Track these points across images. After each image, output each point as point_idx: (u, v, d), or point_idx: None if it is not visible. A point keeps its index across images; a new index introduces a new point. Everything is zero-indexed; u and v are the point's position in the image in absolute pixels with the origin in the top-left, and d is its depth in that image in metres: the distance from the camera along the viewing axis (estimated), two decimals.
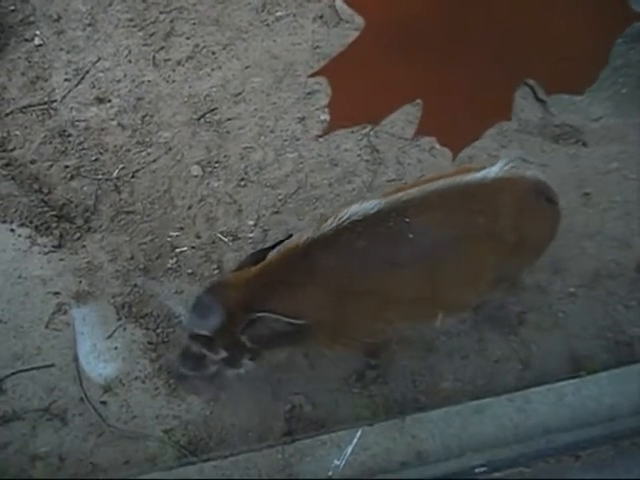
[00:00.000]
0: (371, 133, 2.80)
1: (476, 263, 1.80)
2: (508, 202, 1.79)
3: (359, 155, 2.74)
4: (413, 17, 0.64)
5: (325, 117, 2.85)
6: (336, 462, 1.73)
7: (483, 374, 2.18)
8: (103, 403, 2.06)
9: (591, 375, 2.08)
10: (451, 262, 1.78)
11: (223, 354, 1.76)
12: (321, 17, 3.21)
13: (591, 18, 0.64)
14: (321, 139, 2.72)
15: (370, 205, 1.76)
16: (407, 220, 1.73)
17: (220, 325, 1.71)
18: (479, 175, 1.80)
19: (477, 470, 1.82)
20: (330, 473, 1.74)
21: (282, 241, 1.87)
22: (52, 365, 2.14)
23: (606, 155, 2.76)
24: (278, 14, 3.22)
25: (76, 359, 2.15)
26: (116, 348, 2.19)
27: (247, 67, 3.01)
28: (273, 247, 1.87)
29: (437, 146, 2.65)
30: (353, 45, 0.67)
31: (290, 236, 1.90)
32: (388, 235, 1.74)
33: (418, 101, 0.71)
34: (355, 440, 1.76)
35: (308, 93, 2.93)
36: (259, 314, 1.66)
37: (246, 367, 1.83)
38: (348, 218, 1.74)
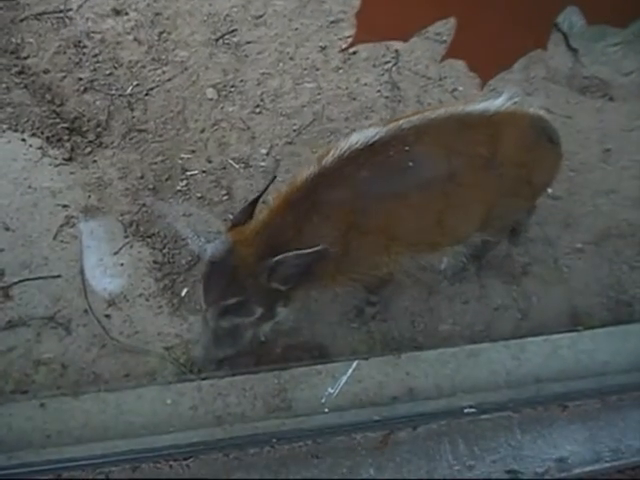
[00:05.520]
0: (393, 69, 2.72)
1: (476, 193, 1.80)
2: (509, 136, 1.78)
3: (379, 91, 2.67)
4: None
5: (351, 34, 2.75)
6: (330, 390, 1.78)
7: (482, 320, 2.20)
8: (107, 316, 2.10)
9: (588, 330, 2.09)
10: (451, 191, 1.76)
11: (259, 311, 1.75)
12: None
13: None
14: (344, 52, 2.62)
15: (370, 133, 1.72)
16: (407, 149, 1.70)
17: (246, 284, 1.68)
18: (481, 106, 1.78)
19: (466, 411, 1.86)
20: (323, 400, 1.79)
21: (266, 188, 1.81)
22: (58, 276, 2.17)
23: (632, 112, 2.69)
24: None
25: (82, 272, 2.17)
26: (122, 264, 2.21)
27: None
28: (258, 198, 1.80)
29: (464, 77, 2.54)
30: None
31: (274, 178, 1.87)
32: (389, 164, 1.71)
33: (451, 19, 0.67)
34: (350, 371, 1.79)
35: (332, 22, 2.83)
36: (278, 257, 1.63)
37: (280, 314, 1.83)
38: (348, 148, 1.71)
